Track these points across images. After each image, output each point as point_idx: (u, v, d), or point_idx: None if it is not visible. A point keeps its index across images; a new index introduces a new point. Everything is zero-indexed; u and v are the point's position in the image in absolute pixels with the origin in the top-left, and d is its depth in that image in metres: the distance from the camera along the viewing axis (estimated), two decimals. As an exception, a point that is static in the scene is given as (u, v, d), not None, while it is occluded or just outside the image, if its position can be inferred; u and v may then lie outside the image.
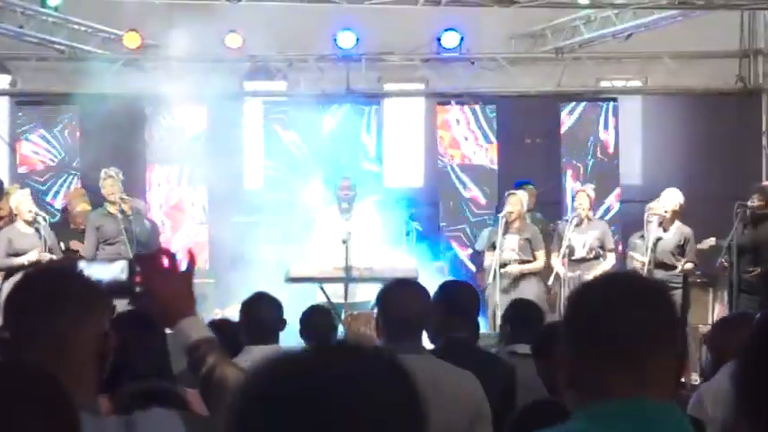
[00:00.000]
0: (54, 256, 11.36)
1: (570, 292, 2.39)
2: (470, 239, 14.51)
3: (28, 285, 2.52)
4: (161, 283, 2.68)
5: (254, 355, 5.21)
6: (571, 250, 11.80)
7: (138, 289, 2.69)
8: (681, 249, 11.71)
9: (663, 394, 2.16)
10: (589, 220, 12.08)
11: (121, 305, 2.87)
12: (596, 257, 11.95)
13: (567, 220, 12.31)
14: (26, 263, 10.97)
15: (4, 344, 2.45)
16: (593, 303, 2.22)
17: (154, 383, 3.40)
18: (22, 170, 14.76)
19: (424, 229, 13.80)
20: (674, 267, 11.59)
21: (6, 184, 13.17)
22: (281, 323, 5.95)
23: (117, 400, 3.34)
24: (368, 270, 10.65)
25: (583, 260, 11.89)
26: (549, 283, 11.85)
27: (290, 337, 6.52)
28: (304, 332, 6.73)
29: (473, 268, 14.06)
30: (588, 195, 12.30)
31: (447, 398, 3.62)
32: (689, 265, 11.69)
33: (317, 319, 6.83)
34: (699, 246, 11.88)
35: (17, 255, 11.30)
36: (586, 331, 2.18)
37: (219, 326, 5.70)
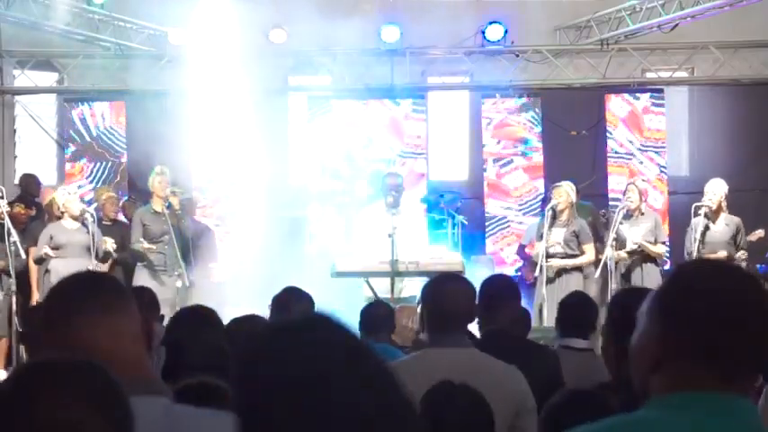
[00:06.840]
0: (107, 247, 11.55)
1: (671, 273, 2.21)
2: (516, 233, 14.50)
3: (57, 292, 2.61)
4: None
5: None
6: (622, 242, 11.57)
7: None
8: (734, 241, 11.54)
9: (745, 389, 2.11)
10: (641, 212, 11.83)
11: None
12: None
13: (615, 209, 12.11)
14: (43, 254, 11.28)
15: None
16: (694, 294, 2.08)
17: (207, 379, 3.39)
18: (69, 167, 14.89)
19: (469, 222, 13.75)
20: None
21: (55, 181, 13.29)
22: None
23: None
24: (413, 264, 10.61)
25: (633, 252, 11.65)
26: (597, 275, 11.60)
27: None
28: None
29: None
30: (638, 188, 11.97)
31: (490, 391, 3.60)
32: (740, 253, 11.52)
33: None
34: (747, 237, 11.74)
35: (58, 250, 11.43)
36: (684, 322, 2.07)
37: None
